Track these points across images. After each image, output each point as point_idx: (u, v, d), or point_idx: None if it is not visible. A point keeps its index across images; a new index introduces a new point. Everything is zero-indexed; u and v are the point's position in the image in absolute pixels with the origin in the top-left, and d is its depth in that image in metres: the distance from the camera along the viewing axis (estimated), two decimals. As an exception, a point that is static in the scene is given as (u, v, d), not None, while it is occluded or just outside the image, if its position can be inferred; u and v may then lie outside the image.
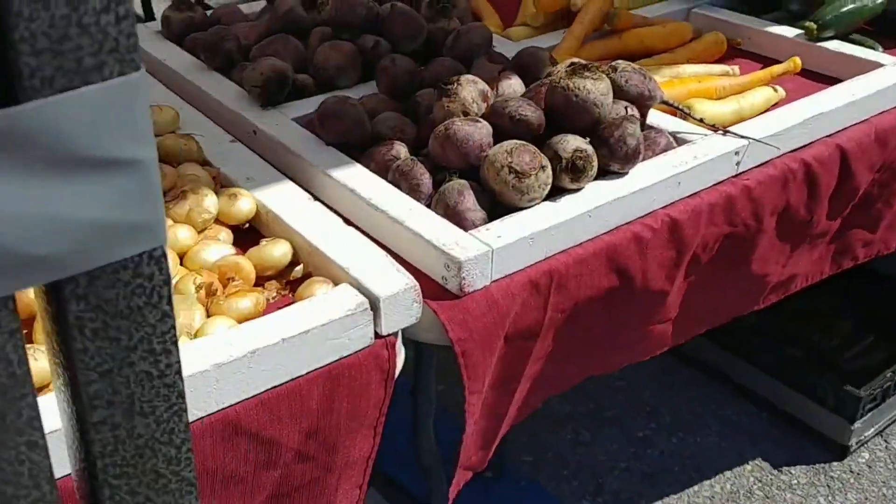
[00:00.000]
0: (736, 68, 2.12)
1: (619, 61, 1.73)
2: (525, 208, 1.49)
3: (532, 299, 1.47)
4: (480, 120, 1.57)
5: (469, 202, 1.48)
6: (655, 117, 1.78)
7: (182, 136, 1.59)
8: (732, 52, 2.27)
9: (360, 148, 1.69)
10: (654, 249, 1.60)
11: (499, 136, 1.57)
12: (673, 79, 2.00)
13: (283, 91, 1.82)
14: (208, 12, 2.21)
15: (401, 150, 1.64)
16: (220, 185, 1.54)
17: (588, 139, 1.57)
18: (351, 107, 1.67)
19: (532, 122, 1.56)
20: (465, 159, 1.54)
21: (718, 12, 2.37)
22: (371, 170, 1.62)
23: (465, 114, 1.61)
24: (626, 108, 1.64)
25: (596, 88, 1.56)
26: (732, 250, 1.76)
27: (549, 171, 1.49)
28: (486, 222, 1.48)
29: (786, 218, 1.82)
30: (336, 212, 1.57)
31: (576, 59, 1.73)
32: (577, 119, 1.58)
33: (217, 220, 1.48)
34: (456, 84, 1.62)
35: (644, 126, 1.74)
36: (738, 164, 1.70)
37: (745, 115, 1.89)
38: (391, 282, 1.30)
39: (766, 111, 1.92)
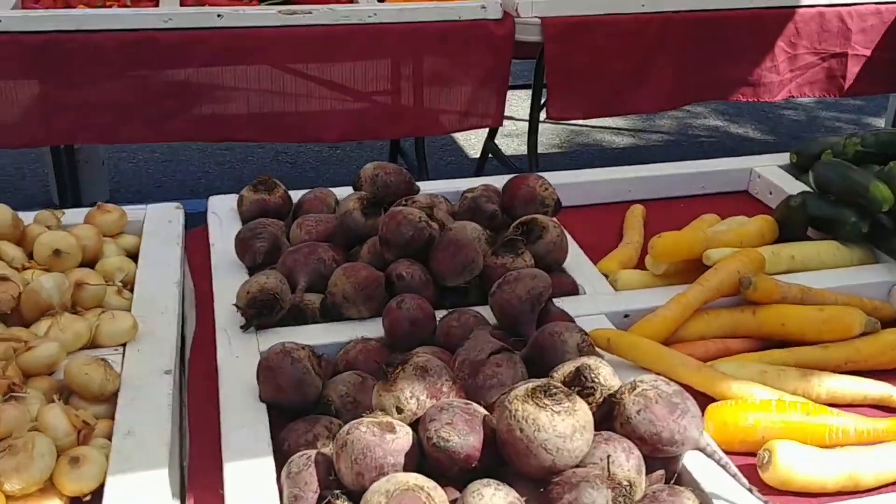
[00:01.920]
0: (905, 394, 1.48)
1: (647, 377, 1.23)
2: (397, 581, 1.06)
3: None
4: (401, 429, 1.17)
5: (325, 553, 1.08)
6: (697, 464, 1.24)
7: (92, 361, 1.36)
8: (928, 361, 1.61)
9: (305, 412, 1.35)
10: None
11: (424, 461, 1.16)
12: (790, 394, 1.42)
13: (270, 315, 1.54)
14: (302, 195, 1.99)
15: (322, 433, 1.28)
16: (89, 435, 1.28)
17: (542, 490, 1.11)
18: (293, 363, 1.34)
19: (456, 454, 1.13)
20: (359, 481, 1.14)
21: (936, 296, 1.72)
22: (283, 450, 1.28)
23: (399, 410, 1.21)
24: (608, 457, 1.14)
25: (553, 425, 1.09)
26: None
27: (441, 538, 1.05)
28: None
29: None
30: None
31: (586, 361, 1.26)
32: (521, 463, 1.12)
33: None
34: (399, 368, 1.23)
35: (668, 477, 1.22)
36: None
37: (861, 486, 1.27)
38: None
39: (903, 485, 1.29)
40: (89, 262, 1.76)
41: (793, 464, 1.27)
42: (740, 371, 1.48)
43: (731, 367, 1.49)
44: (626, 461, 1.15)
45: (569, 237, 1.92)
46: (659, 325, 1.58)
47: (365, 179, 1.90)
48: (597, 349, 1.41)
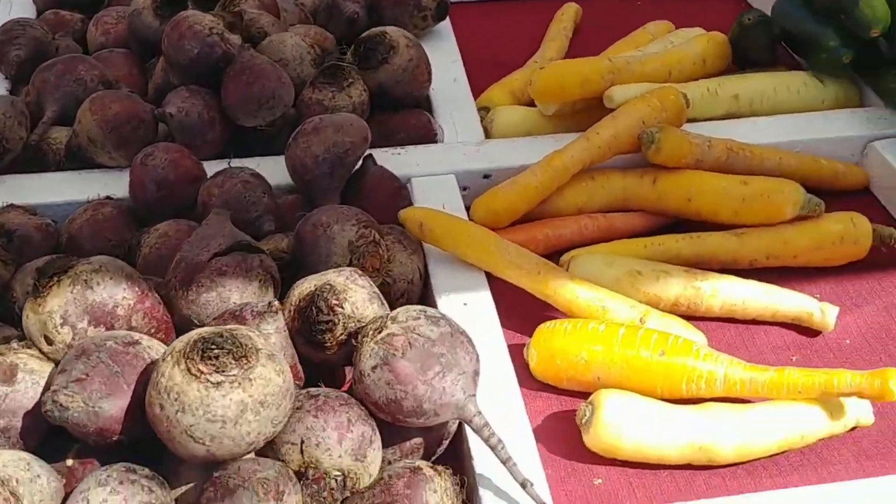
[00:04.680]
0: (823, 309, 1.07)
1: (409, 310, 0.84)
2: None
3: None
4: (27, 377, 0.82)
5: None
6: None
7: None
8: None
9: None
10: None
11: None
12: (664, 311, 1.03)
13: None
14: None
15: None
16: None
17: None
18: (-43, 246, 0.98)
19: (81, 427, 0.77)
20: (-37, 446, 0.81)
21: (924, 160, 1.25)
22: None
23: (49, 341, 0.85)
24: (301, 442, 0.77)
25: (206, 405, 0.72)
26: None
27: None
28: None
29: None
30: None
31: (331, 280, 0.86)
32: (171, 448, 0.77)
33: None
34: (55, 279, 0.86)
35: (429, 449, 0.86)
36: None
37: (716, 461, 0.90)
38: None
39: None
40: None
41: (621, 425, 0.90)
42: (605, 270, 1.08)
43: (593, 264, 1.09)
44: (338, 444, 0.79)
45: (456, 51, 1.48)
46: (516, 196, 1.16)
47: (185, -37, 1.44)
48: (383, 243, 1.01)
